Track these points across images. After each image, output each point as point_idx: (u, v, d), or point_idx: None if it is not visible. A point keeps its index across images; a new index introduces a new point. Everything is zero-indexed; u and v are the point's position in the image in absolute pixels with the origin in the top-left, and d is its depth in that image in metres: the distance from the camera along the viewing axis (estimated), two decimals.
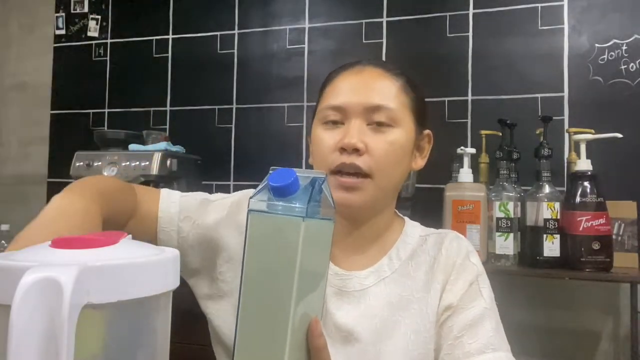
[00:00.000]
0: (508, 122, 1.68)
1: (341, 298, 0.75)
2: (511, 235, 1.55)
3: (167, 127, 2.29)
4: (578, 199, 1.48)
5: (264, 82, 2.18)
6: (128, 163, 1.86)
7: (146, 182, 1.82)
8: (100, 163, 1.89)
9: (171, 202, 0.79)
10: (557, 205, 1.51)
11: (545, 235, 1.50)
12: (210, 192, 0.84)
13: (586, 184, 1.48)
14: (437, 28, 1.98)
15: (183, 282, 0.77)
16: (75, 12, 2.47)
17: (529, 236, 1.55)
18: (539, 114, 1.79)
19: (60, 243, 0.35)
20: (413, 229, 0.82)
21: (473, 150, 1.66)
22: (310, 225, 0.49)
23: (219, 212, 0.80)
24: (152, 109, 2.32)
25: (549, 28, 1.86)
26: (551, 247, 1.50)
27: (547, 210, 1.50)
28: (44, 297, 0.29)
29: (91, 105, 2.41)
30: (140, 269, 0.34)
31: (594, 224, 1.45)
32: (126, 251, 0.36)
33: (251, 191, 0.75)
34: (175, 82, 2.31)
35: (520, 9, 1.89)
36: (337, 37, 2.11)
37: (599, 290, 1.73)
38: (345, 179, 0.71)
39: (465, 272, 0.76)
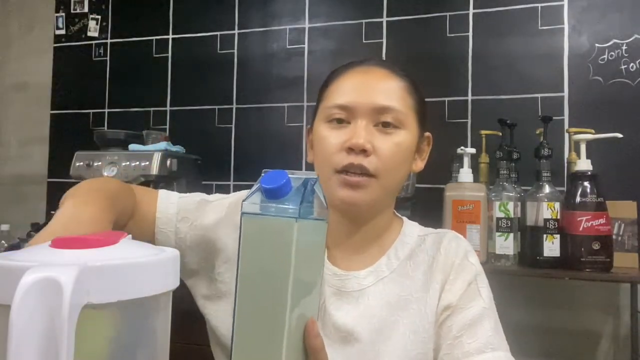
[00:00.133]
0: (508, 122, 1.68)
1: (340, 298, 0.74)
2: (511, 235, 1.55)
3: (167, 127, 2.29)
4: (578, 199, 1.48)
5: (264, 82, 2.18)
6: (128, 163, 1.86)
7: (146, 182, 1.81)
8: (100, 163, 1.89)
9: (169, 203, 0.79)
10: (557, 205, 1.51)
11: (545, 235, 1.50)
12: (210, 192, 0.84)
13: (586, 184, 1.48)
14: (437, 28, 1.98)
15: (182, 282, 0.77)
16: (75, 12, 2.47)
17: (529, 236, 1.55)
18: (539, 114, 1.79)
19: (60, 243, 0.35)
20: (411, 229, 0.82)
21: (473, 150, 1.66)
22: (303, 226, 0.49)
23: (217, 212, 0.79)
24: (152, 109, 2.32)
25: (549, 28, 1.86)
26: (551, 247, 1.50)
27: (547, 210, 1.50)
28: (44, 297, 0.29)
29: (91, 105, 2.41)
30: (140, 269, 0.34)
31: (594, 224, 1.45)
32: (126, 251, 0.36)
33: None
34: (175, 82, 2.31)
35: (520, 9, 1.89)
36: (337, 37, 2.11)
37: (599, 290, 1.73)
38: (351, 176, 0.71)
39: (464, 272, 0.76)
